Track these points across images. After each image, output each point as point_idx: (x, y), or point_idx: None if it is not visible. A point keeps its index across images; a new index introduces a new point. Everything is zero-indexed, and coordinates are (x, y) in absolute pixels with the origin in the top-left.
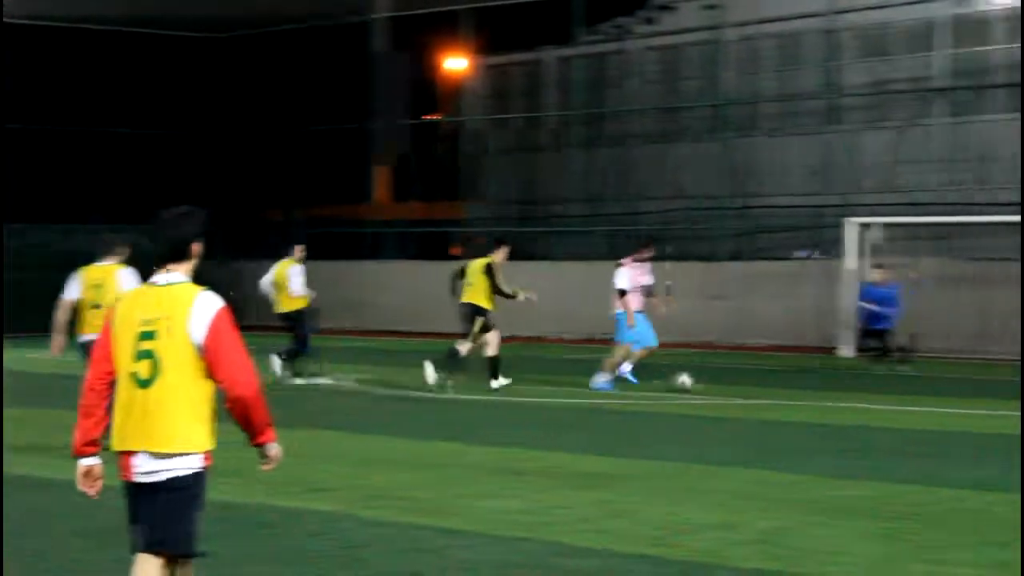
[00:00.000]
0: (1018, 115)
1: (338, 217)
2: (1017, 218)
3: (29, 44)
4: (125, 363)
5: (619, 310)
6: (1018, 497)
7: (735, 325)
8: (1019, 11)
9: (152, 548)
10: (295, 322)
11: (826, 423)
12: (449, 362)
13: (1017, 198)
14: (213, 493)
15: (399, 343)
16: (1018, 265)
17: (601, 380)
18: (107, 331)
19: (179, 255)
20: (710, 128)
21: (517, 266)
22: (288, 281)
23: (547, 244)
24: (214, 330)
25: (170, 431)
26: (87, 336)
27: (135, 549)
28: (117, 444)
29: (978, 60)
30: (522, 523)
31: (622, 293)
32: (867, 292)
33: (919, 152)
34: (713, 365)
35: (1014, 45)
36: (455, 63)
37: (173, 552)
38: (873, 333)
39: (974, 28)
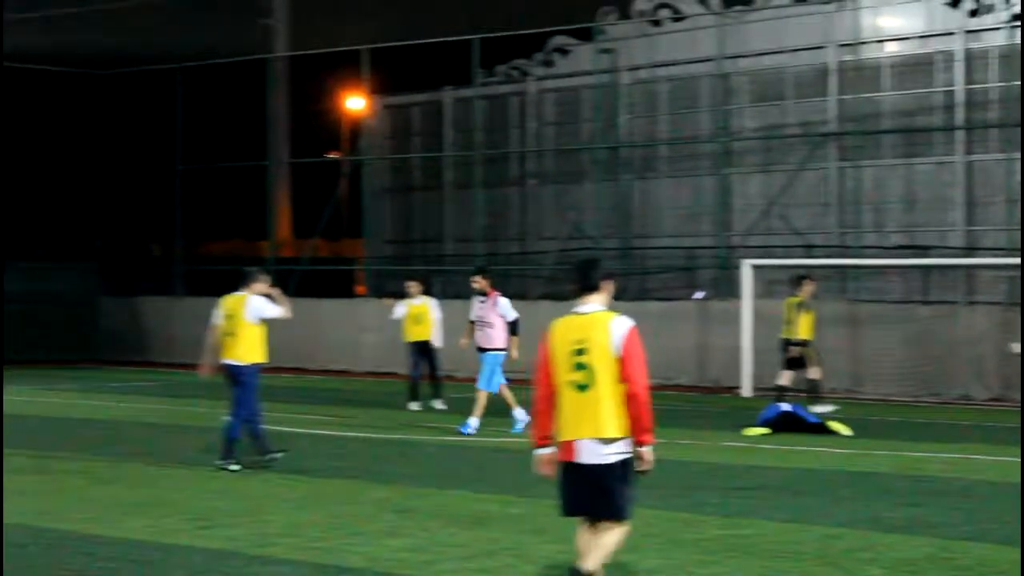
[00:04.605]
0: (907, 160)
1: (239, 254)
2: (907, 261)
3: None
4: (564, 374)
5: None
6: (882, 535)
7: None
8: (907, 58)
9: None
10: None
11: (717, 461)
12: (813, 395)
13: (907, 241)
14: (76, 525)
15: (297, 380)
16: (907, 308)
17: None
18: (544, 352)
19: (593, 289)
20: (606, 169)
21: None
22: None
23: (448, 283)
24: (626, 344)
25: (608, 422)
26: (225, 360)
27: (570, 513)
28: (564, 434)
29: (867, 106)
30: (410, 562)
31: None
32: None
33: (810, 195)
34: None
35: (902, 92)
36: (355, 102)
37: (612, 518)
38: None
39: (864, 74)
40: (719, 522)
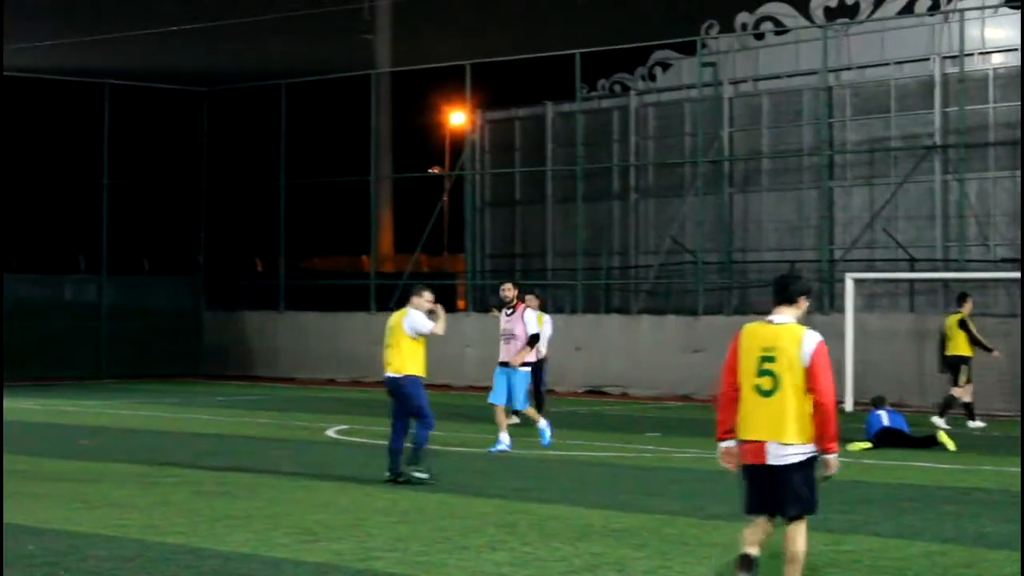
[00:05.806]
0: (1012, 173)
1: (341, 269)
2: (1012, 275)
3: (17, 96)
4: (749, 378)
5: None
6: (988, 551)
7: (713, 378)
8: (1012, 70)
9: (780, 512)
10: None
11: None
12: (945, 407)
13: (1012, 255)
14: (182, 538)
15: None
16: (1012, 322)
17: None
18: (733, 354)
19: (789, 302)
20: (708, 183)
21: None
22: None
23: (549, 297)
24: (815, 357)
25: (788, 427)
26: (386, 373)
27: (754, 512)
28: (745, 434)
29: (973, 118)
30: None
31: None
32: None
33: (914, 209)
34: (693, 418)
35: (1008, 104)
36: (458, 117)
37: (798, 514)
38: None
39: (969, 86)
40: (822, 537)
